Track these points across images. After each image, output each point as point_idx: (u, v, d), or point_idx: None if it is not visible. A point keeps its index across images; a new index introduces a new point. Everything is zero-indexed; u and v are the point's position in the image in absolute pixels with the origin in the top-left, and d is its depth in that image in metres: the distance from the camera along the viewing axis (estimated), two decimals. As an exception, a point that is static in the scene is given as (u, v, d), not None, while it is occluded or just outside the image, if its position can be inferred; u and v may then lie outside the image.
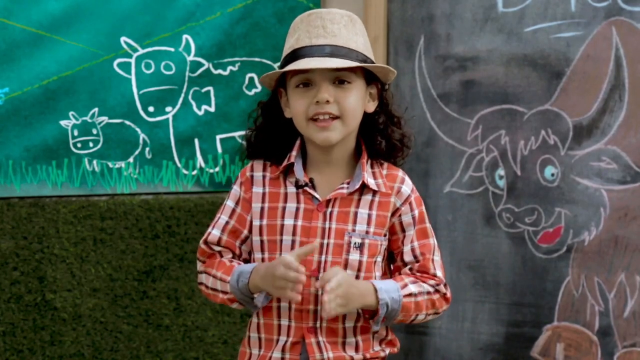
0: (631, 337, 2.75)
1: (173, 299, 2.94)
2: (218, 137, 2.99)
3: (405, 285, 2.07)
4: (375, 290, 2.02)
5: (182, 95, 2.96)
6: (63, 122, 2.86)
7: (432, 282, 2.11)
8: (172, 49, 2.93)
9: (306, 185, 2.05)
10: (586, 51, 2.77)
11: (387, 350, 2.12)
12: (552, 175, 2.81)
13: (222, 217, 2.14)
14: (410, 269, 2.11)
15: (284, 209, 2.06)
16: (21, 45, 2.81)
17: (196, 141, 2.98)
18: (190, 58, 2.95)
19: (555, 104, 2.81)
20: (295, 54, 2.02)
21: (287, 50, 2.05)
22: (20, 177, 2.83)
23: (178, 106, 2.96)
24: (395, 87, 3.00)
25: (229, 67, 2.99)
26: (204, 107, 2.98)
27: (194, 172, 2.99)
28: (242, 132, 2.98)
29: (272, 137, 2.11)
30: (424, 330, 2.98)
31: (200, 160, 2.99)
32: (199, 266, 2.17)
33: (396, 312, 2.05)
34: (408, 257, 2.11)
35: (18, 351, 2.82)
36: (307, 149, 2.10)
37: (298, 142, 2.10)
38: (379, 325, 2.07)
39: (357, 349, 2.07)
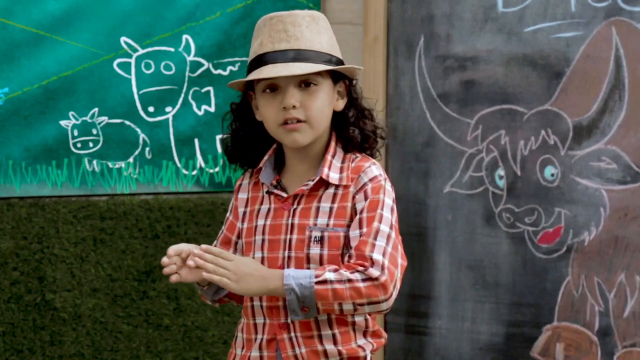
0: (631, 337, 2.75)
1: (173, 299, 2.94)
2: (218, 137, 2.99)
3: (323, 274, 1.99)
4: (283, 276, 2.01)
5: (182, 95, 2.96)
6: (63, 122, 2.86)
7: (360, 268, 2.00)
8: (172, 49, 2.93)
9: (275, 187, 2.08)
10: (586, 51, 2.77)
11: (368, 350, 2.09)
12: (552, 175, 2.81)
13: (223, 228, 2.20)
14: (349, 257, 2.06)
15: (258, 210, 2.10)
16: (21, 45, 2.81)
17: (196, 141, 2.98)
18: (190, 58, 2.95)
19: (555, 104, 2.81)
20: (260, 60, 2.04)
21: (251, 55, 2.08)
22: (20, 177, 2.83)
23: (178, 106, 2.96)
24: (395, 87, 3.00)
25: (229, 67, 2.99)
26: (203, 107, 2.98)
27: (194, 172, 2.99)
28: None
29: (247, 141, 2.14)
30: (424, 330, 2.98)
31: (200, 160, 2.99)
32: None
33: (310, 299, 1.98)
34: (354, 243, 2.07)
35: (18, 351, 2.82)
36: (283, 149, 2.13)
37: (274, 147, 2.13)
38: (298, 314, 2.00)
39: (335, 342, 2.06)
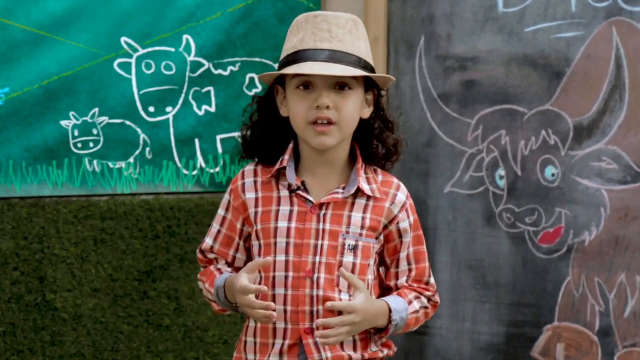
0: (631, 337, 2.75)
1: (173, 299, 2.94)
2: (218, 137, 2.99)
3: (410, 302, 2.11)
4: (390, 311, 2.05)
5: (183, 95, 2.96)
6: (63, 122, 2.86)
7: (428, 293, 2.15)
8: (173, 49, 2.93)
9: (298, 188, 2.06)
10: (586, 51, 2.77)
11: (385, 351, 2.13)
12: (553, 175, 2.81)
13: (214, 226, 2.17)
14: (407, 279, 2.13)
15: (277, 211, 2.07)
16: (21, 45, 2.80)
17: (196, 141, 2.98)
18: (191, 58, 2.95)
19: (555, 104, 2.81)
20: (299, 55, 2.02)
21: (289, 49, 2.05)
22: (21, 177, 2.83)
23: (178, 106, 2.96)
24: (395, 87, 3.00)
25: (229, 67, 2.99)
26: (204, 107, 2.98)
27: (194, 172, 2.99)
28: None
29: (267, 135, 2.12)
30: (424, 331, 2.98)
31: (200, 160, 2.99)
32: (199, 274, 2.20)
33: (400, 328, 2.10)
34: (403, 263, 2.13)
35: (18, 351, 2.82)
36: (300, 151, 2.11)
37: (291, 146, 2.11)
38: (381, 340, 2.09)
39: (355, 348, 2.07)
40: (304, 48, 2.02)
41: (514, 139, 2.85)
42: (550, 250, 2.83)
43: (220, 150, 2.99)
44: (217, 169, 3.00)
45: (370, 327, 2.05)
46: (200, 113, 2.98)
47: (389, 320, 2.05)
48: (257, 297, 2.01)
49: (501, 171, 2.88)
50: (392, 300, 2.08)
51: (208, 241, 2.16)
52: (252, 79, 3.00)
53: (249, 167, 2.14)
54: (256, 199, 2.09)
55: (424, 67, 2.96)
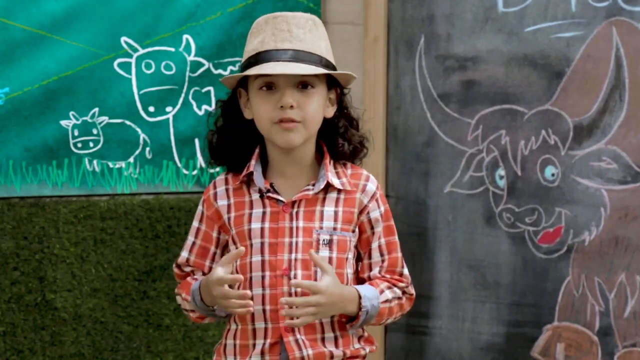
0: (631, 337, 2.75)
1: (173, 299, 2.94)
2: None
3: (382, 292, 2.11)
4: (360, 297, 2.05)
5: (183, 95, 2.96)
6: (63, 122, 2.86)
7: (402, 284, 2.15)
8: (173, 49, 2.93)
9: (268, 191, 2.07)
10: (586, 51, 2.77)
11: (367, 349, 2.13)
12: (553, 175, 2.81)
13: (190, 238, 2.19)
14: (380, 270, 2.13)
15: (250, 215, 2.09)
16: (21, 45, 2.80)
17: (196, 141, 2.98)
18: (191, 58, 2.95)
19: (555, 104, 2.81)
20: (260, 57, 2.04)
21: (250, 51, 2.07)
22: (21, 177, 2.83)
23: (178, 106, 2.96)
24: (395, 87, 3.00)
25: (230, 67, 2.99)
26: (204, 107, 2.98)
27: (195, 172, 2.99)
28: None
29: (233, 140, 2.14)
30: (424, 330, 2.98)
31: (200, 160, 2.99)
32: (175, 290, 2.21)
33: (372, 317, 2.08)
34: (376, 253, 2.14)
35: (18, 351, 2.82)
36: (268, 153, 2.13)
37: (257, 150, 2.12)
38: (354, 330, 2.09)
39: (336, 344, 2.08)
40: (265, 49, 2.04)
41: (514, 139, 2.85)
42: (550, 250, 2.83)
43: (220, 150, 2.99)
44: (217, 169, 3.00)
45: (340, 313, 2.05)
46: (201, 113, 2.98)
47: (359, 307, 2.04)
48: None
49: (501, 171, 2.88)
50: (363, 288, 2.08)
51: (184, 254, 2.19)
52: (252, 79, 3.00)
53: (220, 177, 2.17)
54: (229, 205, 2.12)
55: (424, 67, 2.96)
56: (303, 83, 2.05)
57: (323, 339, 2.07)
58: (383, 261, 2.14)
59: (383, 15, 3.00)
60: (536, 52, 2.82)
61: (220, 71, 2.98)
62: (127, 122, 2.92)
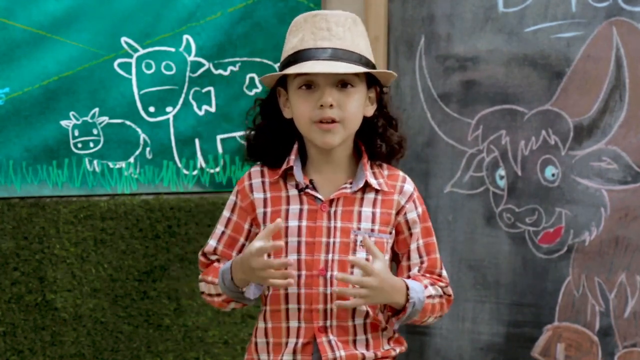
0: (632, 337, 2.75)
1: (174, 299, 2.94)
2: (219, 137, 2.99)
3: (426, 287, 2.10)
4: (407, 288, 2.03)
5: (183, 95, 2.96)
6: (63, 122, 2.86)
7: (441, 284, 2.14)
8: (173, 49, 2.93)
9: (307, 187, 2.05)
10: (587, 51, 2.77)
11: (398, 350, 2.13)
12: (553, 175, 2.81)
13: (219, 227, 2.16)
14: (419, 271, 2.12)
15: (287, 211, 2.06)
16: (21, 45, 2.80)
17: (197, 141, 2.98)
18: (191, 58, 2.95)
19: (555, 104, 2.81)
20: (299, 55, 2.01)
21: (289, 50, 2.05)
22: (21, 177, 2.83)
23: (178, 106, 2.96)
24: (395, 87, 3.00)
25: (230, 67, 2.99)
26: (204, 107, 2.98)
27: (195, 172, 2.99)
28: (243, 133, 2.99)
29: (271, 138, 2.12)
30: (424, 330, 2.98)
31: (200, 161, 2.99)
32: (199, 276, 2.18)
33: (417, 312, 2.06)
34: (414, 255, 2.12)
35: (18, 351, 2.82)
36: (307, 150, 2.11)
37: (296, 146, 2.10)
38: (399, 324, 2.07)
39: (367, 347, 2.07)
40: (304, 48, 2.02)
41: (514, 139, 2.85)
42: (551, 250, 2.83)
43: (220, 150, 2.99)
44: (218, 169, 3.00)
45: (388, 302, 2.03)
46: (201, 113, 2.98)
47: (407, 299, 2.03)
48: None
49: (501, 171, 2.88)
50: (409, 280, 2.07)
51: (212, 243, 2.15)
52: (252, 79, 3.00)
53: (255, 169, 2.14)
54: (265, 199, 2.09)
55: (424, 67, 2.96)
56: (343, 82, 2.03)
57: (355, 341, 2.06)
58: (422, 263, 2.13)
59: (383, 15, 3.00)
60: (536, 52, 2.82)
61: (220, 71, 2.98)
62: (128, 122, 2.92)
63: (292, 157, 2.08)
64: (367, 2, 3.00)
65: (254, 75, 2.99)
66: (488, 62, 2.89)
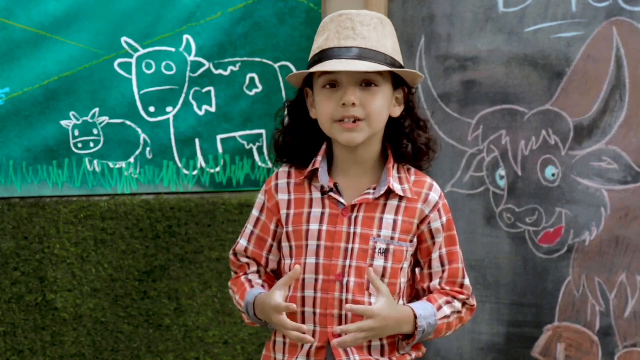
0: (632, 337, 2.75)
1: (174, 299, 2.94)
2: (219, 137, 2.99)
3: (440, 308, 2.07)
4: (415, 317, 2.03)
5: (183, 95, 2.96)
6: (64, 122, 2.86)
7: (462, 297, 2.11)
8: (173, 49, 2.93)
9: (331, 190, 2.04)
10: (587, 51, 2.77)
11: (414, 354, 2.11)
12: (553, 175, 2.81)
13: (249, 227, 2.16)
14: (440, 281, 2.10)
15: (309, 214, 2.05)
16: (22, 45, 2.80)
17: (197, 141, 2.98)
18: (191, 58, 2.95)
19: (556, 104, 2.81)
20: (324, 55, 2.01)
21: (315, 50, 2.04)
22: (21, 178, 2.83)
23: (179, 106, 2.96)
24: (396, 87, 3.00)
25: (230, 67, 2.99)
26: (204, 107, 2.98)
27: (195, 172, 2.99)
28: (243, 133, 2.99)
29: (298, 139, 2.11)
30: (424, 331, 2.98)
31: (201, 161, 2.99)
32: (230, 281, 2.19)
33: (429, 334, 2.06)
34: (436, 264, 2.10)
35: (19, 351, 2.82)
36: (333, 151, 2.10)
37: (324, 147, 2.09)
38: (409, 348, 2.07)
39: (383, 353, 2.05)
40: (329, 47, 2.01)
41: (515, 139, 2.85)
42: (551, 250, 2.83)
43: (220, 150, 2.99)
44: (218, 169, 3.00)
45: (395, 334, 2.03)
46: (201, 113, 2.98)
47: (415, 327, 2.02)
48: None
49: (502, 171, 2.88)
50: (420, 306, 2.05)
51: (243, 242, 2.15)
52: (252, 79, 3.00)
53: (283, 169, 2.13)
54: (289, 200, 2.08)
55: (425, 67, 2.96)
56: (367, 81, 2.02)
57: (369, 347, 2.05)
58: (443, 272, 2.10)
59: (383, 15, 3.00)
60: (536, 52, 2.82)
61: (220, 71, 2.98)
62: (128, 123, 2.92)
63: (319, 158, 2.07)
64: (367, 2, 3.00)
65: (254, 75, 2.99)
66: (488, 62, 2.89)
